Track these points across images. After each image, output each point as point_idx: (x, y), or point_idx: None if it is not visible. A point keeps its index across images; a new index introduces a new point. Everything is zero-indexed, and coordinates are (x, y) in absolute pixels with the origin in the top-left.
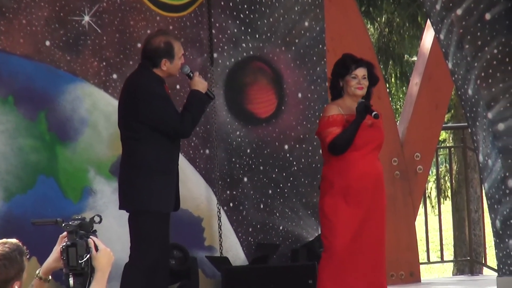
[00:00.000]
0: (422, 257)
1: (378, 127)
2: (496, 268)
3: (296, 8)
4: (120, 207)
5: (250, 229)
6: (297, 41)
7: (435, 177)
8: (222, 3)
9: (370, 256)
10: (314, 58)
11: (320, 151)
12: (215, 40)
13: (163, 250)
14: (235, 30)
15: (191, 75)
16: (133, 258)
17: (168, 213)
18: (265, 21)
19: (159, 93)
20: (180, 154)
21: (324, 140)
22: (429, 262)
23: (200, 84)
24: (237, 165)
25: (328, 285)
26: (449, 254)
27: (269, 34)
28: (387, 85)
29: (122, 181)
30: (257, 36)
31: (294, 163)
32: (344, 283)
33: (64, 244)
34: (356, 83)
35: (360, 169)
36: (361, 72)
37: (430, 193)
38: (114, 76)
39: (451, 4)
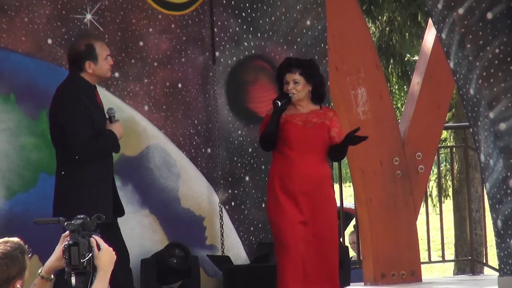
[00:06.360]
0: (423, 256)
1: (320, 127)
2: (497, 267)
3: (298, 7)
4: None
5: (252, 228)
6: (298, 39)
7: (436, 176)
8: (224, 1)
9: (319, 260)
10: (316, 57)
11: None
12: (217, 39)
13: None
14: (237, 29)
15: (113, 119)
16: None
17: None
18: (267, 19)
19: (78, 103)
20: (182, 153)
21: None
22: (430, 261)
23: (117, 129)
24: (239, 164)
25: (291, 285)
26: (450, 253)
27: (270, 33)
28: (389, 84)
29: (55, 191)
30: (258, 34)
31: None
32: (304, 282)
33: (66, 243)
34: (289, 88)
35: (296, 170)
36: (290, 77)
37: (431, 192)
38: (116, 74)
39: (452, 3)
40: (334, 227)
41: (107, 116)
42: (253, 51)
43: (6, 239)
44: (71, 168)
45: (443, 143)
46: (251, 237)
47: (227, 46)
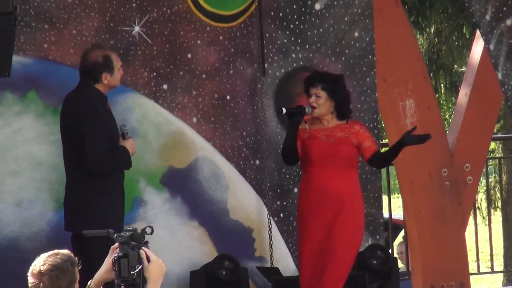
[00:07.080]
0: (472, 267)
1: (342, 142)
2: None
3: (346, 19)
4: (66, 228)
5: None
6: (346, 51)
7: (485, 188)
8: (272, 13)
9: (327, 272)
10: (364, 69)
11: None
12: (265, 51)
13: None
14: (285, 41)
15: (126, 136)
16: None
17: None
18: (315, 31)
19: (97, 114)
20: (230, 164)
21: None
22: (479, 272)
23: (130, 146)
24: (287, 176)
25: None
26: (499, 264)
27: (318, 45)
28: (437, 96)
29: (67, 200)
30: (306, 46)
31: None
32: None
33: (116, 255)
34: (310, 101)
35: (316, 184)
36: (313, 90)
37: (480, 204)
38: (165, 86)
39: (500, 15)
40: (353, 237)
41: (120, 133)
42: (301, 63)
43: (56, 251)
44: (87, 178)
45: (492, 154)
46: None
47: (275, 58)
